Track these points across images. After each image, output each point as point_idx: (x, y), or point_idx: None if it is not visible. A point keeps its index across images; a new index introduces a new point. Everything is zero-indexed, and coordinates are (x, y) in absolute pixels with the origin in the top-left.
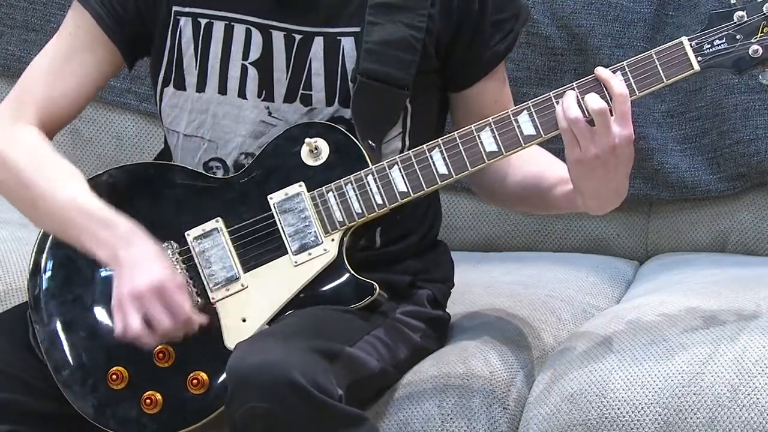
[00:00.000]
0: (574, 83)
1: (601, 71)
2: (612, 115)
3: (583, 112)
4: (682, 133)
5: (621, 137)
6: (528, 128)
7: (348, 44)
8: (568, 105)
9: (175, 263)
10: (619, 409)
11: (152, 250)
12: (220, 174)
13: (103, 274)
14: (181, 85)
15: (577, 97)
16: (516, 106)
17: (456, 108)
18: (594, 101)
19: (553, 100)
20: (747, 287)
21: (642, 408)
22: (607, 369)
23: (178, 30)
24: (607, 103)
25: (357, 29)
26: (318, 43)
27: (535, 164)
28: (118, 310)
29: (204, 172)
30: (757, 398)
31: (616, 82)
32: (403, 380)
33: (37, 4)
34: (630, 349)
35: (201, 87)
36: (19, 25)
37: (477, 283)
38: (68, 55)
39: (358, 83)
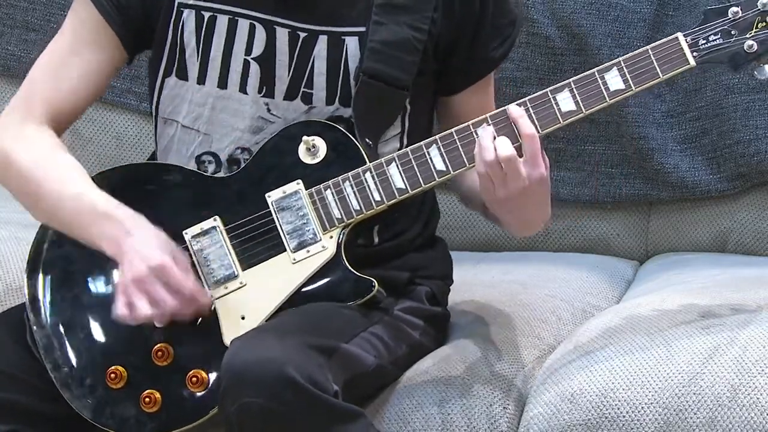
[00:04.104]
0: (488, 115)
1: (512, 110)
2: (522, 156)
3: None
4: (682, 133)
5: (532, 179)
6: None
7: (352, 44)
8: (485, 147)
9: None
10: (619, 409)
11: (151, 236)
12: (211, 168)
13: (101, 273)
14: (183, 75)
15: (493, 134)
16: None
17: (444, 116)
18: (503, 148)
19: (550, 96)
20: (747, 287)
21: (642, 408)
22: (607, 369)
23: (181, 22)
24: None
25: (362, 29)
26: (322, 42)
27: None
28: (122, 296)
29: (200, 171)
30: (758, 398)
31: (524, 122)
32: (403, 378)
33: (37, 4)
34: (630, 348)
35: (201, 80)
36: (19, 25)
37: (477, 282)
38: (72, 49)
39: (361, 82)
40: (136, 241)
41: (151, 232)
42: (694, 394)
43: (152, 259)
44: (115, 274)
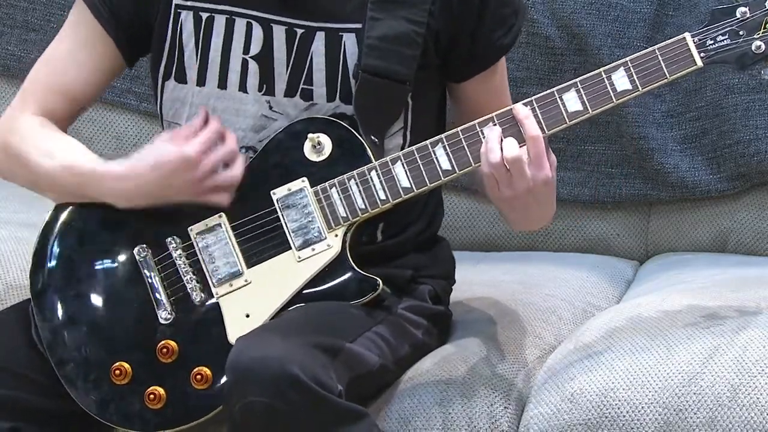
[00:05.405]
0: (494, 114)
1: (518, 110)
2: (528, 156)
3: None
4: (682, 133)
5: (536, 180)
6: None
7: (350, 40)
8: (491, 148)
9: (178, 258)
10: (619, 409)
11: (150, 159)
12: None
13: (106, 268)
14: (182, 78)
15: (500, 136)
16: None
17: (455, 100)
18: (510, 149)
19: (556, 96)
20: (747, 287)
21: (642, 408)
22: (607, 369)
23: (179, 24)
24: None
25: (358, 26)
26: (319, 39)
27: None
28: (211, 194)
29: None
30: (758, 398)
31: (529, 123)
32: (405, 378)
33: (37, 4)
34: (630, 348)
35: (201, 81)
36: (19, 25)
37: (477, 282)
38: (69, 51)
39: (361, 79)
40: (146, 174)
41: (145, 158)
42: (694, 394)
43: (178, 158)
44: (121, 271)
